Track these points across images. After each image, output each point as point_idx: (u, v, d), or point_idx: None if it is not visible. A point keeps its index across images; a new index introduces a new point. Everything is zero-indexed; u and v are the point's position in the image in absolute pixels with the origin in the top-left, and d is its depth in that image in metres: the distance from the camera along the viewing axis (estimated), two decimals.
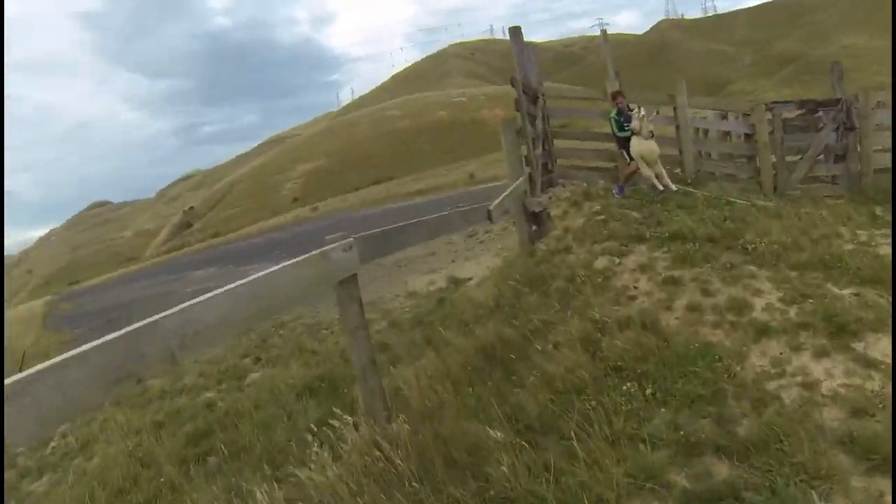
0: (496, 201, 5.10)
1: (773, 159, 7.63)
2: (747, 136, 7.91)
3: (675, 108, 7.67)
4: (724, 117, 9.09)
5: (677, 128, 7.74)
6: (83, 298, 27.28)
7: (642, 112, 6.74)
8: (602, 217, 6.30)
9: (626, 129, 6.91)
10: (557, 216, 6.96)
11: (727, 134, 9.14)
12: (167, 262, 33.90)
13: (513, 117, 7.33)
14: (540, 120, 8.11)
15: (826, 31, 65.81)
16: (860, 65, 48.42)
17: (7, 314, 25.41)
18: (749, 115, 7.95)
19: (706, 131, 10.12)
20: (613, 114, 7.09)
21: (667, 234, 5.26)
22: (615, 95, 7.26)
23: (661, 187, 6.81)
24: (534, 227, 6.88)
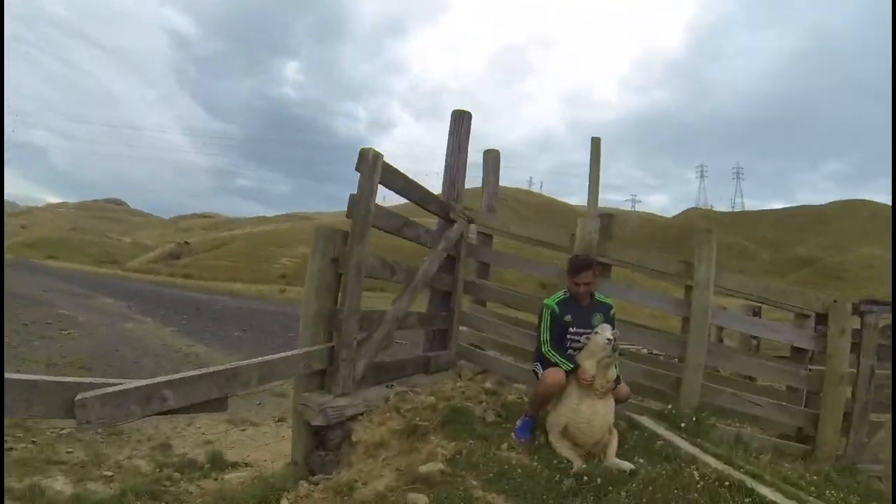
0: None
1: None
2: (797, 351, 4.61)
3: (688, 288, 4.48)
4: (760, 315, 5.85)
5: (685, 321, 4.44)
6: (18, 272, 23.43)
7: (612, 335, 3.28)
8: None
9: (571, 345, 3.54)
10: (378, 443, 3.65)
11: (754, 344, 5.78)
12: (122, 279, 30.81)
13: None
14: (456, 262, 5.04)
15: (845, 241, 65.59)
16: (876, 274, 48.25)
17: None
18: (809, 317, 4.71)
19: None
20: (555, 300, 3.62)
21: None
22: (582, 266, 3.60)
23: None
24: (319, 451, 3.64)
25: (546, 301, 3.62)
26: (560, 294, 3.66)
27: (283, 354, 3.61)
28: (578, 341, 3.47)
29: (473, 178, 5.57)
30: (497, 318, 5.38)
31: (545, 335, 3.50)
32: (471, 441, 3.46)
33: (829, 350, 4.30)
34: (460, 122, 5.32)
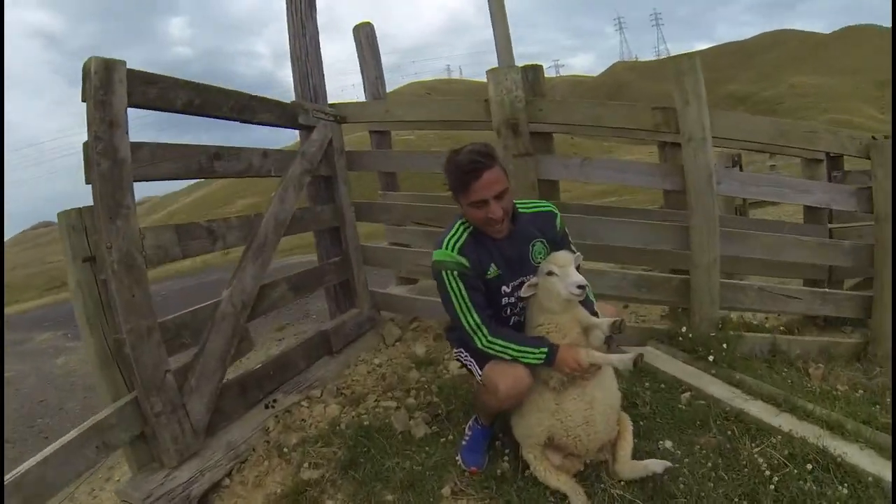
0: None
1: None
2: (812, 215, 3.30)
3: (667, 147, 3.10)
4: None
5: (669, 196, 3.30)
6: None
7: (570, 265, 1.88)
8: None
9: (514, 312, 2.03)
10: None
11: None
12: (64, 302, 28.06)
13: None
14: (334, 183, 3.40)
15: (776, 73, 65.55)
16: (812, 103, 47.93)
17: None
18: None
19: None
20: (452, 246, 1.91)
21: None
22: (477, 167, 1.81)
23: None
24: None
25: (436, 255, 1.92)
26: (457, 230, 1.95)
27: (54, 447, 1.99)
28: (521, 302, 1.99)
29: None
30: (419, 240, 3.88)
31: (467, 316, 1.90)
32: (389, 498, 2.01)
33: (877, 207, 2.95)
34: None
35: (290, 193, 3.17)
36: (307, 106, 3.47)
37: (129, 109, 2.16)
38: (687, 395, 2.52)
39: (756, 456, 2.00)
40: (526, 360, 1.83)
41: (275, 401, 2.93)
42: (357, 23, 4.73)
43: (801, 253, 3.13)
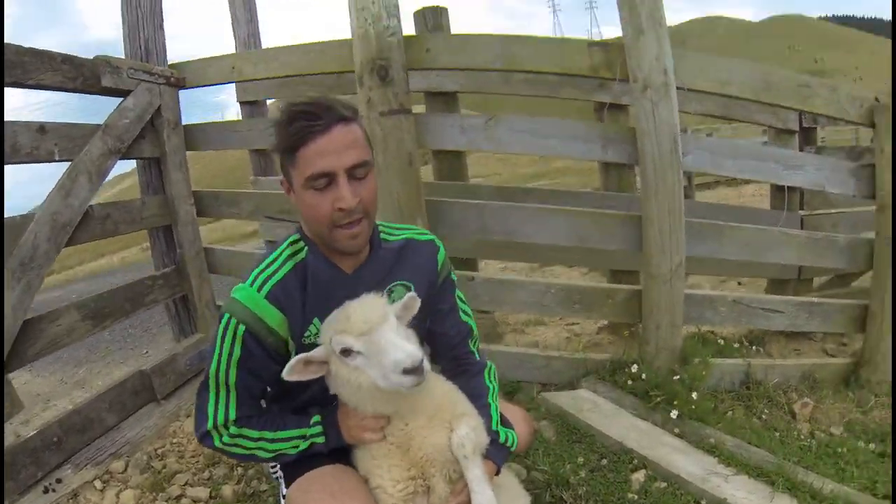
0: None
1: None
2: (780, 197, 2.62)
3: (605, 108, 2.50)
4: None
5: (609, 171, 2.62)
6: None
7: (383, 323, 0.96)
8: None
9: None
10: None
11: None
12: None
13: None
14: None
15: None
16: None
17: None
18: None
19: None
20: (271, 271, 1.09)
21: None
22: (311, 123, 1.00)
23: None
24: None
25: (234, 293, 1.08)
26: (279, 256, 1.11)
27: None
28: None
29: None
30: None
31: (218, 403, 1.07)
32: None
33: (882, 190, 2.20)
34: None
35: (82, 184, 2.21)
36: (116, 62, 2.43)
37: None
38: (640, 474, 1.66)
39: None
40: (287, 452, 1.10)
41: (59, 480, 1.99)
42: None
43: (787, 253, 2.33)
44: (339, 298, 1.03)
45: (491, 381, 1.24)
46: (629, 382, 1.96)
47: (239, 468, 1.97)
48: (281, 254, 1.11)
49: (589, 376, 2.08)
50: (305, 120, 0.99)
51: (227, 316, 1.04)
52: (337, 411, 1.09)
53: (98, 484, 2.00)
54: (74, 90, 2.33)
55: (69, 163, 2.21)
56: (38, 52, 2.09)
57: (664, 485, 1.64)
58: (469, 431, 1.02)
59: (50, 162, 2.16)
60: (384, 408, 1.00)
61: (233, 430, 1.06)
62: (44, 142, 2.09)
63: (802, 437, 2.12)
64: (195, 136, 2.79)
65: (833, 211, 3.24)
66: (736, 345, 2.52)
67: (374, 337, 0.93)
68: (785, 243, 2.30)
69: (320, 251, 1.10)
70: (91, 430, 2.17)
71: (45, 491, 1.94)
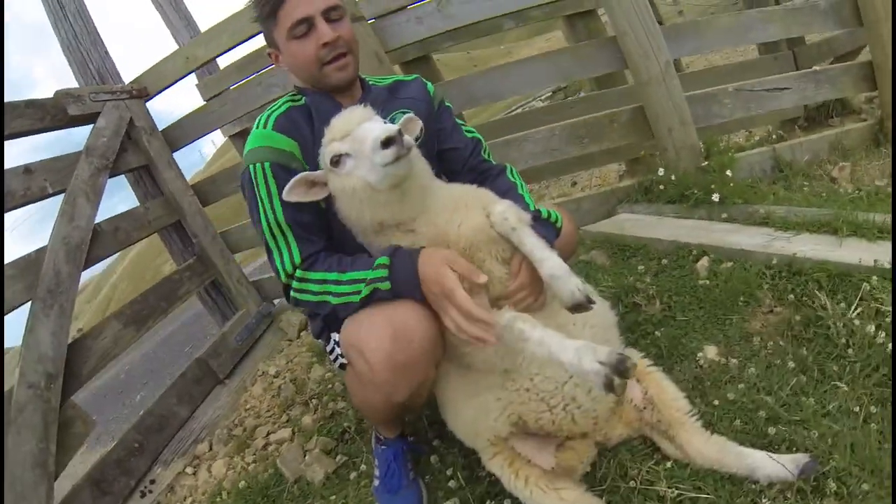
0: None
1: None
2: None
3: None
4: None
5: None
6: None
7: (366, 121, 0.95)
8: None
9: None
10: None
11: None
12: None
13: None
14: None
15: None
16: None
17: None
18: None
19: None
20: (275, 110, 1.16)
21: None
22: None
23: None
24: None
25: (247, 145, 1.14)
26: (279, 103, 1.19)
27: None
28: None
29: None
30: None
31: (279, 241, 1.10)
32: None
33: None
34: None
35: (82, 205, 2.27)
36: (76, 91, 2.49)
37: None
38: (704, 261, 1.63)
39: (854, 320, 1.13)
40: (351, 299, 1.02)
41: (152, 481, 2.07)
42: None
43: (771, 30, 2.25)
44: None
45: (515, 177, 1.25)
46: (662, 189, 1.92)
47: (313, 399, 1.98)
48: (279, 100, 1.20)
49: (622, 203, 2.04)
50: None
51: (250, 167, 1.11)
52: (418, 256, 0.98)
53: (189, 470, 2.09)
54: (45, 129, 2.38)
55: (63, 194, 2.27)
56: (6, 103, 2.14)
57: (730, 264, 1.61)
58: (506, 207, 0.99)
59: (45, 198, 2.22)
60: (387, 212, 0.97)
61: (298, 273, 1.07)
62: (33, 181, 2.16)
63: (849, 194, 2.08)
64: (175, 135, 2.83)
65: None
66: (757, 139, 2.45)
67: (355, 133, 0.94)
68: (767, 20, 2.23)
69: (318, 93, 1.19)
70: (168, 426, 2.28)
71: (143, 495, 2.03)
